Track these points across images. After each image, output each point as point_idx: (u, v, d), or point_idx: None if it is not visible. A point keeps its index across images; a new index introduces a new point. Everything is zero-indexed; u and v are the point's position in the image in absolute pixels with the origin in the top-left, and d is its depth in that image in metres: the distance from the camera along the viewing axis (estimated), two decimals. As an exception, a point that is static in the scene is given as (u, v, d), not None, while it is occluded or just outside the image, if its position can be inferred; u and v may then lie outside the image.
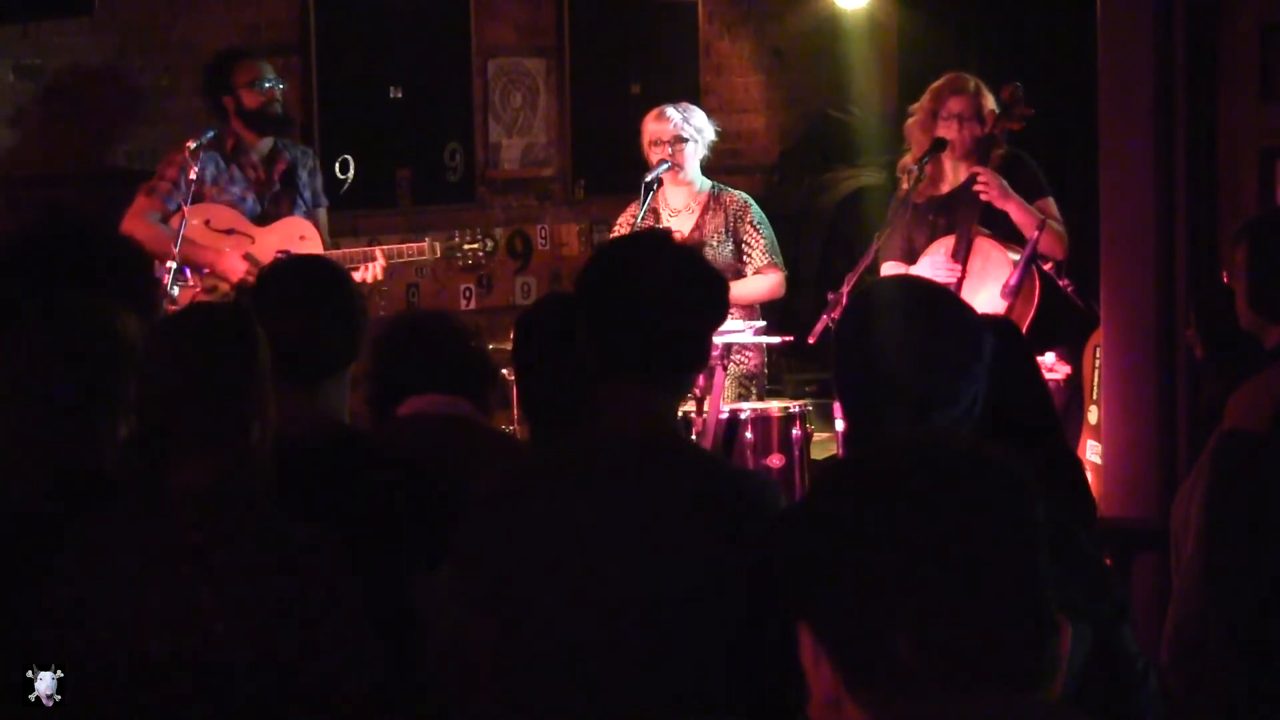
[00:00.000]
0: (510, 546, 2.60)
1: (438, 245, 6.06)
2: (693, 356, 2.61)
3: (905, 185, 5.82)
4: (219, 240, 5.75)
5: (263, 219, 5.89)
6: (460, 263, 6.31)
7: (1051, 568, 1.35)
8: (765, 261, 5.85)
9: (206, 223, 5.76)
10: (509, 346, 3.29)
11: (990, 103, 5.74)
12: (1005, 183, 5.62)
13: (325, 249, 5.92)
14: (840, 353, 2.45)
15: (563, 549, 2.55)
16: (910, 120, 5.87)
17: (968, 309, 2.52)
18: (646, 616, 2.49)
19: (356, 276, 5.75)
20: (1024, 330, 5.24)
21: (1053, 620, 1.34)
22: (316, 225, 6.01)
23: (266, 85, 5.91)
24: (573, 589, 2.53)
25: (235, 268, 5.74)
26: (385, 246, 6.04)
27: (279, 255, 5.74)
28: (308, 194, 6.03)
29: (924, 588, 1.30)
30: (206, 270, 5.72)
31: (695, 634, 2.48)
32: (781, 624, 1.43)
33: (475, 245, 6.13)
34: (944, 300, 2.51)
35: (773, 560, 2.41)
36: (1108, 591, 2.28)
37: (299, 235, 5.90)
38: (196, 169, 5.51)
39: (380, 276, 5.89)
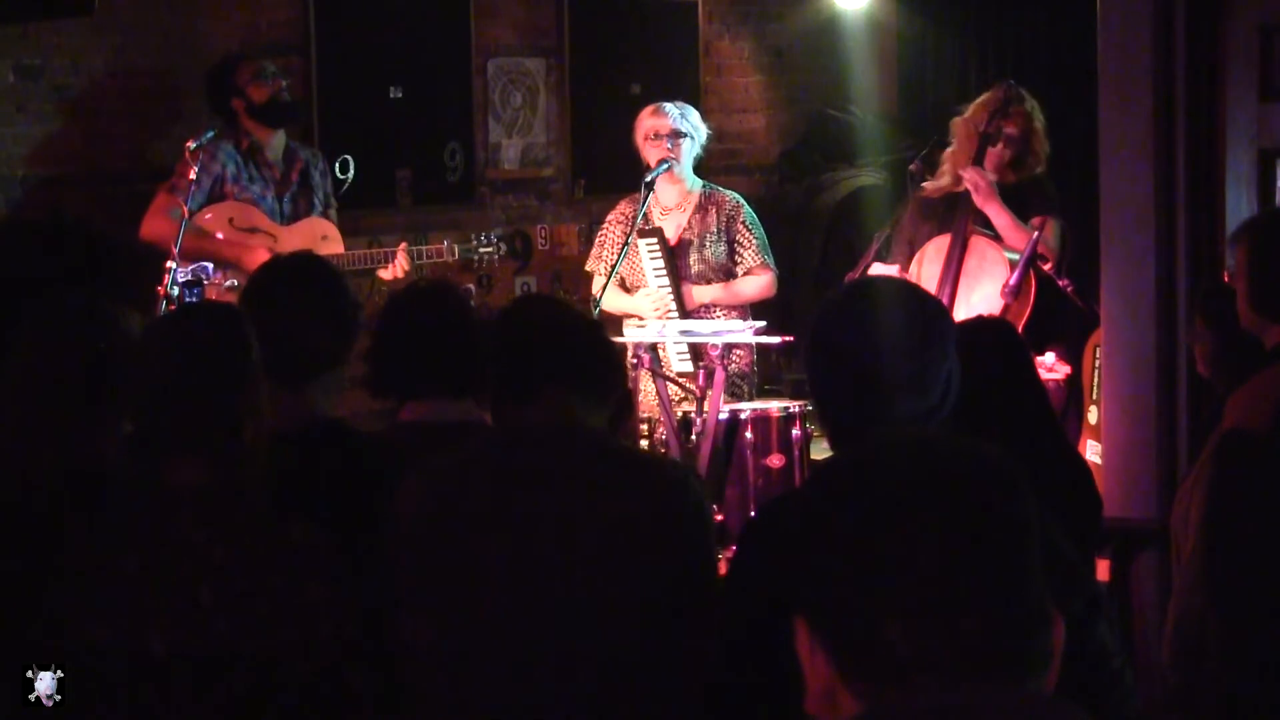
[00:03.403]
0: (441, 544, 2.67)
1: (455, 248, 6.08)
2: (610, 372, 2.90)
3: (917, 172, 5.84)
4: (244, 238, 5.75)
5: (283, 218, 5.90)
6: (474, 265, 6.36)
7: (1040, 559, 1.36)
8: (758, 262, 5.86)
9: (230, 220, 5.77)
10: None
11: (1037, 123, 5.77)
12: (992, 183, 5.61)
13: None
14: (807, 347, 2.46)
15: (496, 542, 2.61)
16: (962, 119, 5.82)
17: (933, 302, 2.52)
18: (583, 604, 2.58)
19: (385, 275, 5.88)
20: (1020, 330, 5.23)
21: (1045, 611, 1.35)
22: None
23: (270, 78, 5.93)
24: (508, 580, 2.60)
25: None
26: (406, 246, 6.03)
27: None
28: (319, 195, 6.05)
29: (917, 578, 1.32)
30: (233, 267, 5.67)
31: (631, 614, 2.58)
32: (764, 624, 1.44)
33: (490, 249, 6.16)
34: (905, 294, 2.50)
35: (752, 558, 2.44)
36: (1080, 587, 2.28)
37: (321, 235, 5.90)
38: (196, 170, 5.49)
39: (408, 268, 5.88)
